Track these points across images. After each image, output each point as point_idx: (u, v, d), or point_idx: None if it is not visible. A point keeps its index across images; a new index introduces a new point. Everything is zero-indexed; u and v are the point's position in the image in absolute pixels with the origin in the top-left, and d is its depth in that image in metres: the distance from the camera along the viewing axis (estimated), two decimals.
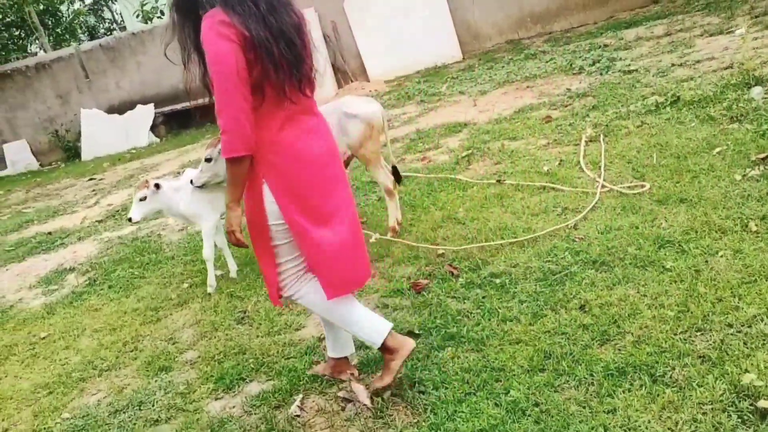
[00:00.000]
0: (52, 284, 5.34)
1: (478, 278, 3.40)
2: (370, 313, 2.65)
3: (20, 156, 14.35)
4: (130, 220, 4.08)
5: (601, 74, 7.74)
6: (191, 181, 4.07)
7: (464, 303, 3.20)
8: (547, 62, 9.88)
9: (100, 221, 7.02)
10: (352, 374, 2.83)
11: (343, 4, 13.15)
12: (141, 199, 4.05)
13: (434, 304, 3.25)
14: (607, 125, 5.41)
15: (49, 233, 7.05)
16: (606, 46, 9.85)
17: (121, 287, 4.77)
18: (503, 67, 10.68)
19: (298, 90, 2.38)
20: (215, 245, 4.34)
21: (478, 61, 12.11)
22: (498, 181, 4.78)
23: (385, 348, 2.57)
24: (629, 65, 7.63)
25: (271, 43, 2.26)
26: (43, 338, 4.20)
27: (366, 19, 13.14)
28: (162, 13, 15.34)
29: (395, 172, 4.34)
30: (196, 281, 4.51)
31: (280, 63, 2.29)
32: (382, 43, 13.12)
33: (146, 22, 15.26)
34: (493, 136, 6.17)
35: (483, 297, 3.20)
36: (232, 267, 4.43)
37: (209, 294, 4.21)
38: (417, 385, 2.64)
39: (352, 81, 13.39)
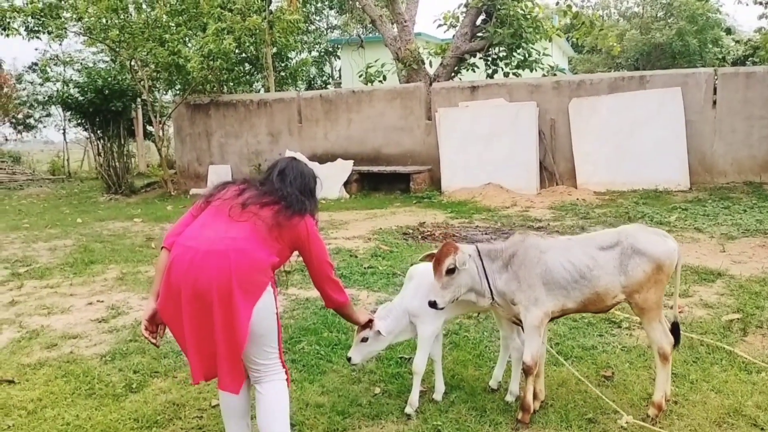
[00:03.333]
0: None
1: None
2: None
3: (221, 179, 15.05)
4: (349, 359, 3.47)
5: None
6: (431, 304, 3.23)
7: None
8: None
9: (288, 272, 6.65)
10: None
11: (568, 105, 12.46)
12: (362, 340, 3.40)
13: None
14: None
15: None
16: None
17: (305, 366, 4.17)
18: (745, 211, 9.27)
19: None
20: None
21: (709, 196, 10.74)
22: None
23: None
24: None
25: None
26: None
27: (589, 125, 12.32)
28: (384, 77, 15.67)
29: (675, 329, 3.36)
30: (391, 389, 3.78)
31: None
32: (601, 152, 12.18)
33: (367, 83, 15.64)
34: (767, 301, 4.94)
35: None
36: (440, 387, 3.65)
37: (407, 415, 3.45)
38: None
39: (557, 184, 12.53)
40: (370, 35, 22.45)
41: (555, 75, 14.34)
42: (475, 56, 15.22)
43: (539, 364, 3.33)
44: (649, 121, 11.81)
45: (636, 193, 11.45)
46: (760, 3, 31.02)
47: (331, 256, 3.11)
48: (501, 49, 14.46)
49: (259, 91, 19.55)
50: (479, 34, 14.82)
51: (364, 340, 3.36)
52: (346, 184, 13.57)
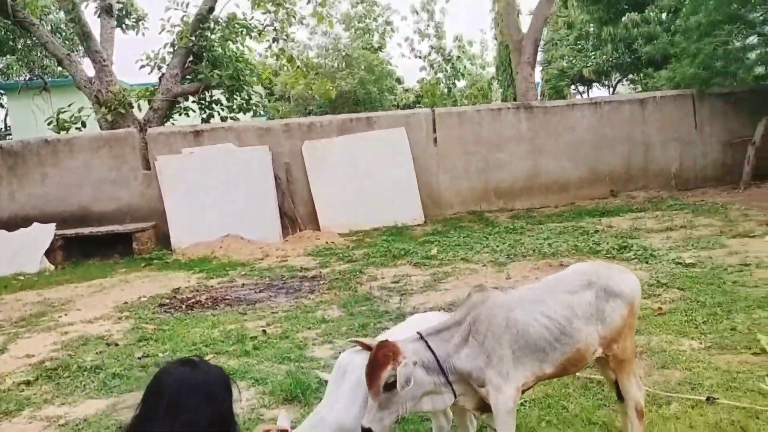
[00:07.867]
0: None
1: None
2: None
3: None
4: None
5: (647, 262, 7.08)
6: (364, 431, 2.29)
7: None
8: (546, 239, 9.19)
9: (27, 383, 4.72)
10: None
11: (302, 147, 12.07)
12: None
13: None
14: None
15: None
16: (599, 231, 9.46)
17: None
18: (487, 238, 9.88)
19: None
20: None
21: (444, 227, 11.33)
22: (709, 399, 3.49)
23: None
24: (680, 258, 7.03)
25: None
26: None
27: (324, 167, 12.09)
28: (84, 124, 13.26)
29: None
30: None
31: None
32: (339, 194, 12.02)
33: (60, 131, 13.05)
34: None
35: None
36: None
37: None
38: None
39: (300, 229, 11.97)
40: (51, 78, 19.31)
41: (282, 118, 13.91)
42: (187, 99, 13.98)
43: None
44: (380, 160, 12.06)
45: (379, 230, 11.52)
46: (419, 57, 35.66)
47: None
48: (220, 91, 13.51)
49: None
50: (189, 76, 13.69)
51: None
52: (48, 253, 10.97)
